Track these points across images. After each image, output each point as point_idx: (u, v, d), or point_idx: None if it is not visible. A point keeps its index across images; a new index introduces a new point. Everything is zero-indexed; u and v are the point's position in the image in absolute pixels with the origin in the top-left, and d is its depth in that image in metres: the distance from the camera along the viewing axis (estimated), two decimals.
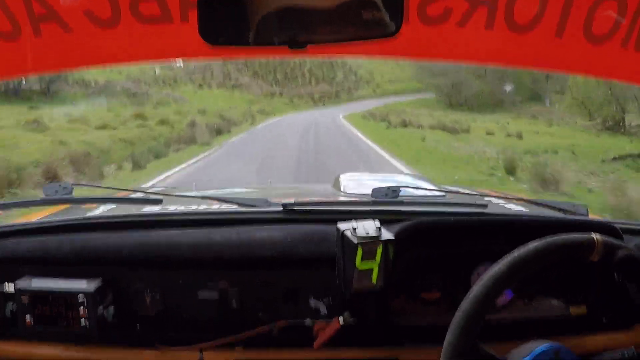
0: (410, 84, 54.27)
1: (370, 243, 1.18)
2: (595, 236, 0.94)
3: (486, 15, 1.30)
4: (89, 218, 1.56)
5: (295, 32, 0.97)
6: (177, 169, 12.24)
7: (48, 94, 31.21)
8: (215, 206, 1.74)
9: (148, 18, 1.27)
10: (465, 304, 0.91)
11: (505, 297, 1.39)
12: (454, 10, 1.30)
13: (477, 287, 0.91)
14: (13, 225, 1.47)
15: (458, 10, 1.30)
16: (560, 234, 0.94)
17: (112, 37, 1.28)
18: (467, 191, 2.50)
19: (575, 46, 1.32)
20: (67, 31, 1.26)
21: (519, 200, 2.02)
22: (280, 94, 53.09)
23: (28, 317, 1.24)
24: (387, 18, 0.97)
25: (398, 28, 0.97)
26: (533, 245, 0.93)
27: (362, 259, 1.17)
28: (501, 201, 2.10)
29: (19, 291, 1.25)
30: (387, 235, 1.20)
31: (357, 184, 2.61)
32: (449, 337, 0.90)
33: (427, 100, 44.57)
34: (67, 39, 1.27)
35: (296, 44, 0.99)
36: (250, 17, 0.96)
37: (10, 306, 1.26)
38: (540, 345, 0.91)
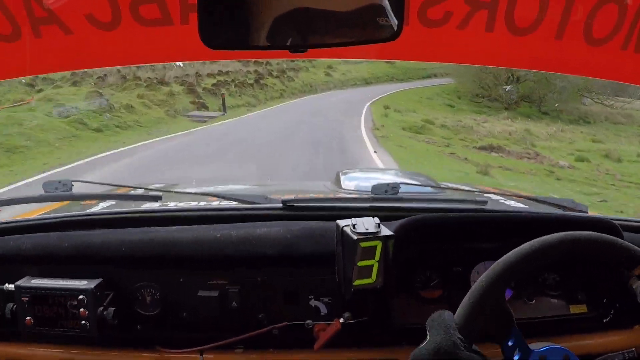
0: (379, 66, 35.72)
1: (369, 240, 1.18)
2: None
3: (486, 18, 1.30)
4: (89, 214, 1.56)
5: (295, 36, 0.97)
6: None
7: None
8: (215, 203, 1.74)
9: (149, 21, 1.27)
10: (500, 262, 0.93)
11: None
12: (454, 14, 1.30)
13: (517, 249, 0.93)
14: (13, 222, 1.48)
15: (458, 14, 1.30)
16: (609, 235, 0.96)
17: (113, 39, 1.28)
18: (466, 188, 2.50)
19: (575, 48, 1.32)
20: (67, 34, 1.26)
21: (519, 197, 2.02)
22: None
23: (28, 318, 1.25)
24: (387, 22, 0.97)
25: (399, 32, 0.97)
26: (580, 232, 0.95)
27: (362, 255, 1.18)
28: (501, 198, 2.10)
29: (19, 290, 1.25)
30: (386, 232, 1.20)
31: (357, 180, 2.62)
32: (480, 282, 0.93)
33: (446, 88, 30.24)
34: (68, 42, 1.28)
35: (297, 48, 0.99)
36: (250, 21, 0.96)
37: (10, 306, 1.26)
38: (551, 345, 0.93)
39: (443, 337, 0.90)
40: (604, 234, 0.96)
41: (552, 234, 0.95)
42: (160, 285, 1.33)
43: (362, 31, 0.99)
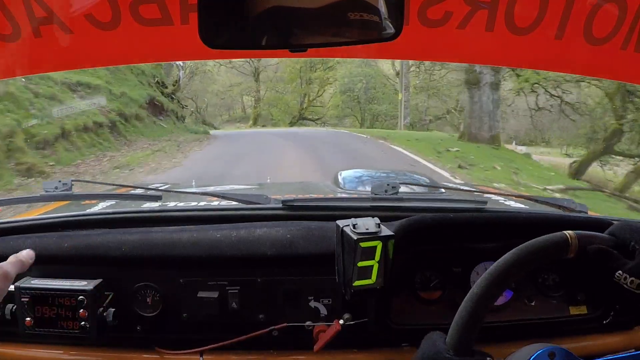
0: None
1: (369, 240, 1.18)
2: (568, 233, 0.92)
3: (486, 18, 1.30)
4: (89, 214, 1.56)
5: (295, 35, 0.97)
6: None
7: None
8: (215, 203, 1.74)
9: (148, 20, 1.28)
10: (456, 318, 0.89)
11: (504, 298, 1.39)
12: (454, 13, 1.30)
13: (465, 301, 0.90)
14: (13, 222, 1.47)
15: (458, 13, 1.31)
16: (536, 238, 0.92)
17: (113, 39, 1.29)
18: (466, 188, 2.51)
19: (576, 48, 1.32)
20: (67, 33, 1.26)
21: (519, 197, 2.02)
22: None
23: (28, 319, 1.24)
24: (387, 22, 0.96)
25: (399, 32, 0.97)
26: (511, 254, 0.91)
27: (362, 256, 1.17)
28: (501, 198, 2.10)
29: (19, 291, 1.24)
30: (386, 232, 1.20)
31: (357, 180, 2.62)
32: None
33: None
34: (68, 41, 1.28)
35: (297, 47, 0.99)
36: (250, 21, 0.96)
37: (10, 307, 1.26)
38: (538, 350, 0.91)
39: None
40: (526, 244, 0.92)
41: (498, 262, 0.91)
42: (160, 286, 1.32)
43: (361, 31, 0.98)
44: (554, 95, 19.59)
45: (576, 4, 1.27)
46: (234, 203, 1.60)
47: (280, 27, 0.97)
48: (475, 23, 1.32)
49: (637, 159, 15.04)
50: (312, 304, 1.33)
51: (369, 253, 1.18)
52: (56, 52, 1.31)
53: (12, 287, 1.25)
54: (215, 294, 1.30)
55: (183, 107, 25.39)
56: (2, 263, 1.09)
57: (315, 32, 0.98)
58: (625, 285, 0.91)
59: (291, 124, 35.04)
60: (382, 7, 0.96)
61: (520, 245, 0.92)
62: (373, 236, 1.17)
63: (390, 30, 0.97)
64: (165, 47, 1.37)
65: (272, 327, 1.30)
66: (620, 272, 0.91)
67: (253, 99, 38.50)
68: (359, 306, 1.30)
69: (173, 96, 22.93)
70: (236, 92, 38.80)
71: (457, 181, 9.97)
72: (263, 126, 35.83)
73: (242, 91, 38.94)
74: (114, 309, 1.28)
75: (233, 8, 0.96)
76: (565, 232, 0.93)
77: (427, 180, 2.61)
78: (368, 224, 1.20)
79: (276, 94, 37.75)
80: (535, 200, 1.83)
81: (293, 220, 1.43)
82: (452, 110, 29.89)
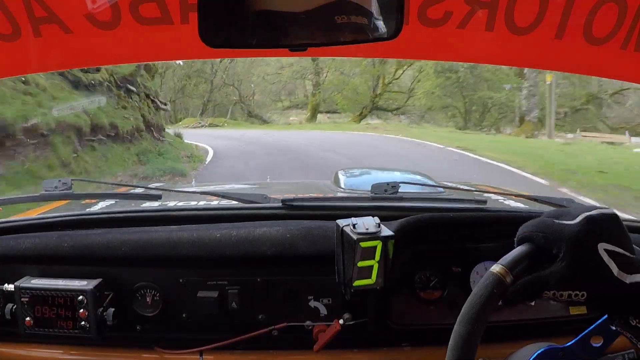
0: None
1: (369, 240, 1.17)
2: (496, 270, 0.85)
3: (486, 17, 1.30)
4: (89, 214, 1.56)
5: (295, 35, 0.97)
6: None
7: None
8: (215, 202, 1.74)
9: (148, 20, 1.28)
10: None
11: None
12: (454, 13, 1.31)
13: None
14: (13, 221, 1.47)
15: (458, 13, 1.31)
16: (474, 294, 0.86)
17: (112, 38, 1.29)
18: (466, 187, 2.51)
19: (575, 48, 1.32)
20: (67, 33, 1.26)
21: (518, 196, 2.02)
22: None
23: (28, 318, 1.25)
24: (387, 22, 0.96)
25: (398, 31, 0.96)
26: (463, 323, 0.84)
27: (362, 255, 1.17)
28: (500, 197, 2.11)
29: (18, 291, 1.25)
30: (386, 231, 1.20)
31: (357, 179, 2.62)
32: None
33: None
34: (68, 41, 1.28)
35: (296, 47, 0.99)
36: (250, 21, 0.96)
37: (10, 307, 1.26)
38: (538, 350, 0.91)
39: None
40: (467, 310, 0.85)
41: (453, 340, 0.84)
42: (160, 285, 1.32)
43: (361, 31, 0.98)
44: None
45: (576, 4, 1.27)
46: (234, 202, 1.60)
47: (281, 28, 0.96)
48: (475, 23, 1.32)
49: None
50: (312, 303, 1.33)
51: (369, 253, 1.17)
52: (56, 52, 1.31)
53: (12, 287, 1.26)
54: (215, 294, 1.30)
55: (158, 109, 15.00)
56: None
57: (311, 32, 0.97)
58: (557, 300, 0.88)
59: (361, 116, 27.29)
60: (374, 9, 0.96)
61: (462, 313, 0.85)
62: (373, 236, 1.17)
63: (384, 30, 0.97)
64: (165, 47, 1.37)
65: (272, 327, 1.30)
66: (546, 292, 0.86)
67: (311, 83, 30.22)
68: (359, 306, 1.30)
69: (136, 91, 13.15)
70: (286, 76, 30.71)
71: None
72: (328, 113, 28.37)
73: (295, 74, 30.61)
74: (113, 309, 1.28)
75: (233, 7, 0.96)
76: (491, 272, 0.86)
77: (427, 180, 2.61)
78: (368, 223, 1.19)
79: (341, 76, 28.99)
80: (535, 199, 1.83)
81: (293, 219, 1.43)
82: (606, 97, 20.31)
